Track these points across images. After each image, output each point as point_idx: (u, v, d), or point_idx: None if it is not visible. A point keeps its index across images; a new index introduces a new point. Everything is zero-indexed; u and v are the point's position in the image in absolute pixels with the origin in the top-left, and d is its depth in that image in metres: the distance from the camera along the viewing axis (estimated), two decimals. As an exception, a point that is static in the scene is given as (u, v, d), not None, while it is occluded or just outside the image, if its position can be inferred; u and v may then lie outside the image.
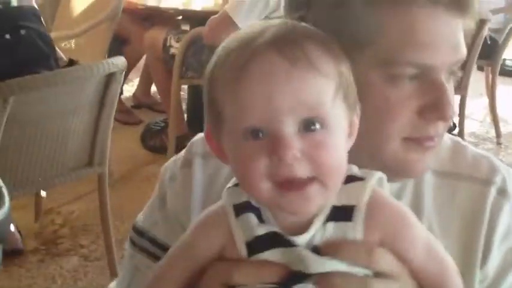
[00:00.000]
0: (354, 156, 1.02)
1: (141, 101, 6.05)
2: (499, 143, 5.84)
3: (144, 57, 5.63)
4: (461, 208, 1.26)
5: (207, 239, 1.05)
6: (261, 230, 1.00)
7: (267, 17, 4.17)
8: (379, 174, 1.05)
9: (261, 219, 1.01)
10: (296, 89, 0.94)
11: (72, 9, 4.81)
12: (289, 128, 0.94)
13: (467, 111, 5.57)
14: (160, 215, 1.39)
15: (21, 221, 3.77)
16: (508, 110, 6.58)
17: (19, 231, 3.73)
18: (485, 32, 4.94)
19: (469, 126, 5.95)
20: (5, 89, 2.70)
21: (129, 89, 6.32)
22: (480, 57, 5.10)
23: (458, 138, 1.35)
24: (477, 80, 6.01)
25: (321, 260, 0.97)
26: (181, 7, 5.25)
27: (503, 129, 6.03)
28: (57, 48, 3.57)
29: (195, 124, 5.26)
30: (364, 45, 1.11)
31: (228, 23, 4.16)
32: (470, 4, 1.12)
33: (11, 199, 3.17)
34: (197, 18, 4.92)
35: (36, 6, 3.58)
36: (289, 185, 0.95)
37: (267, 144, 0.95)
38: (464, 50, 1.14)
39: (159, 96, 5.61)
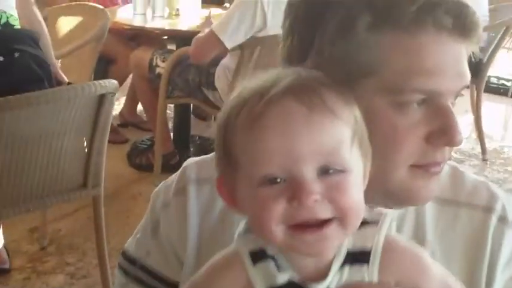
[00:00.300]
0: None
1: (128, 119, 6.06)
2: (484, 159, 5.86)
3: (130, 76, 5.63)
4: (463, 236, 1.27)
5: (222, 284, 1.04)
6: (281, 278, 1.01)
7: (252, 36, 4.20)
8: (390, 217, 1.06)
9: (278, 267, 1.01)
10: (315, 135, 0.95)
11: (58, 30, 4.82)
12: (309, 173, 0.95)
13: (452, 128, 5.59)
14: (153, 243, 1.38)
15: (6, 239, 3.78)
16: (493, 126, 6.62)
17: (7, 252, 3.74)
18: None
19: (455, 143, 5.97)
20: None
21: (116, 107, 6.32)
22: (465, 74, 5.11)
23: (455, 164, 1.36)
24: (462, 97, 6.03)
25: None
26: (167, 27, 5.28)
27: (489, 145, 6.05)
28: (60, 72, 3.61)
29: (181, 142, 5.28)
30: (370, 73, 1.11)
31: (214, 41, 4.17)
32: (474, 28, 1.11)
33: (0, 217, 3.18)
34: (183, 38, 4.93)
35: (44, 29, 3.66)
36: (305, 226, 0.95)
37: (286, 189, 0.95)
38: (468, 76, 1.14)
39: (145, 115, 5.62)
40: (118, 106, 6.08)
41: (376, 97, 1.10)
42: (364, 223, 1.02)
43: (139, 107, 5.88)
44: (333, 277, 1.00)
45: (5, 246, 3.72)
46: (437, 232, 1.27)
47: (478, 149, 5.99)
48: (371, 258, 1.00)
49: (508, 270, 1.26)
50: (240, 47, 4.24)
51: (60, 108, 2.89)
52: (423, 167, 1.14)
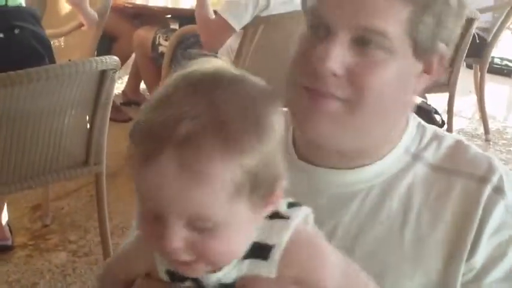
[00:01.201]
0: None
1: (130, 98, 6.05)
2: (487, 140, 5.87)
3: (133, 54, 5.63)
4: (455, 203, 1.28)
5: (137, 260, 1.13)
6: None
7: (256, 16, 4.19)
8: (305, 211, 1.09)
9: None
10: (182, 198, 0.95)
11: (60, 8, 4.81)
12: (175, 224, 0.97)
13: (456, 109, 5.59)
14: None
15: (9, 217, 3.78)
16: (496, 107, 6.63)
17: (10, 229, 3.75)
18: (473, 30, 4.96)
19: (458, 124, 5.98)
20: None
21: (118, 86, 6.32)
22: (469, 55, 5.12)
23: (462, 138, 1.38)
24: (466, 77, 6.04)
25: None
26: (170, 5, 5.28)
27: (492, 126, 6.06)
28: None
29: (183, 121, 5.27)
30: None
31: (225, 27, 4.13)
32: None
33: (2, 194, 3.19)
34: (186, 17, 4.92)
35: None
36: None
37: (158, 229, 0.98)
38: (376, 23, 1.18)
39: (148, 94, 5.61)
40: (121, 85, 6.09)
41: None
42: (278, 216, 1.05)
43: (143, 85, 5.88)
44: (231, 269, 1.03)
45: (7, 223, 3.73)
46: (428, 199, 1.29)
47: (481, 130, 6.00)
48: (271, 254, 1.01)
49: (496, 238, 1.26)
50: (244, 26, 4.23)
51: (61, 84, 2.89)
52: (308, 93, 1.21)
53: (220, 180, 0.95)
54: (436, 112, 5.54)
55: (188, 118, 0.95)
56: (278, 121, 1.02)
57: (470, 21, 4.79)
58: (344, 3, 1.18)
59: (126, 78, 6.18)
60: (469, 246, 1.25)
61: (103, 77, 3.04)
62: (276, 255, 1.01)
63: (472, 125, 6.28)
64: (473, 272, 1.26)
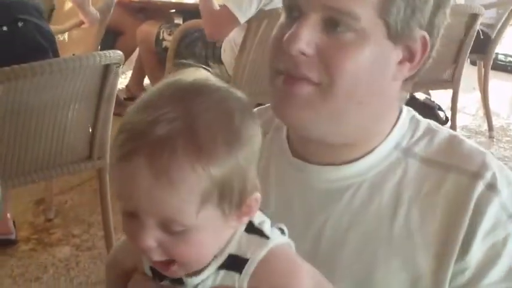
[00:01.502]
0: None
1: (134, 93, 6.03)
2: (491, 137, 5.85)
3: (137, 49, 5.63)
4: (446, 198, 1.25)
5: (126, 257, 1.19)
6: None
7: (260, 9, 4.19)
8: (286, 240, 1.12)
9: None
10: (154, 203, 0.99)
11: (65, 3, 4.81)
12: (148, 223, 1.01)
13: (459, 105, 5.58)
14: None
15: (13, 211, 3.79)
16: (500, 104, 6.61)
17: (14, 223, 3.76)
18: (478, 27, 4.96)
19: (462, 120, 5.96)
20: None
21: (122, 81, 6.31)
22: (473, 51, 5.11)
23: (457, 133, 1.36)
24: (470, 74, 6.03)
25: None
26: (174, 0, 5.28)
27: (496, 122, 6.04)
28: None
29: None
30: None
31: (231, 19, 4.13)
32: None
33: (6, 188, 3.20)
34: (190, 11, 4.92)
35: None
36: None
37: (134, 226, 1.02)
38: (344, 4, 1.17)
39: (151, 89, 5.61)
40: (125, 79, 6.09)
41: None
42: (260, 233, 1.09)
43: (146, 80, 5.88)
44: (208, 275, 1.07)
45: (11, 217, 3.74)
46: (419, 193, 1.27)
47: (485, 127, 5.98)
48: (246, 267, 1.05)
49: (491, 238, 1.23)
50: (248, 20, 4.23)
51: (65, 78, 2.90)
52: (283, 77, 1.21)
53: (188, 187, 0.99)
54: (440, 109, 5.56)
55: (164, 121, 0.99)
56: (255, 135, 1.06)
57: (474, 17, 4.79)
58: None
59: (129, 73, 6.18)
60: (460, 244, 1.22)
61: (107, 72, 3.04)
62: (250, 269, 1.05)
63: (475, 121, 6.27)
64: (468, 273, 1.23)
